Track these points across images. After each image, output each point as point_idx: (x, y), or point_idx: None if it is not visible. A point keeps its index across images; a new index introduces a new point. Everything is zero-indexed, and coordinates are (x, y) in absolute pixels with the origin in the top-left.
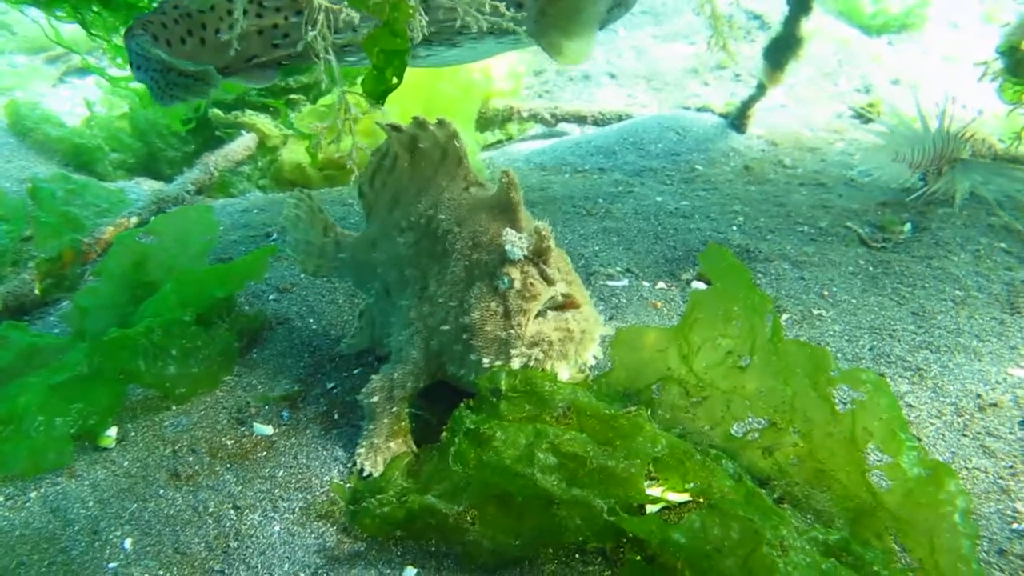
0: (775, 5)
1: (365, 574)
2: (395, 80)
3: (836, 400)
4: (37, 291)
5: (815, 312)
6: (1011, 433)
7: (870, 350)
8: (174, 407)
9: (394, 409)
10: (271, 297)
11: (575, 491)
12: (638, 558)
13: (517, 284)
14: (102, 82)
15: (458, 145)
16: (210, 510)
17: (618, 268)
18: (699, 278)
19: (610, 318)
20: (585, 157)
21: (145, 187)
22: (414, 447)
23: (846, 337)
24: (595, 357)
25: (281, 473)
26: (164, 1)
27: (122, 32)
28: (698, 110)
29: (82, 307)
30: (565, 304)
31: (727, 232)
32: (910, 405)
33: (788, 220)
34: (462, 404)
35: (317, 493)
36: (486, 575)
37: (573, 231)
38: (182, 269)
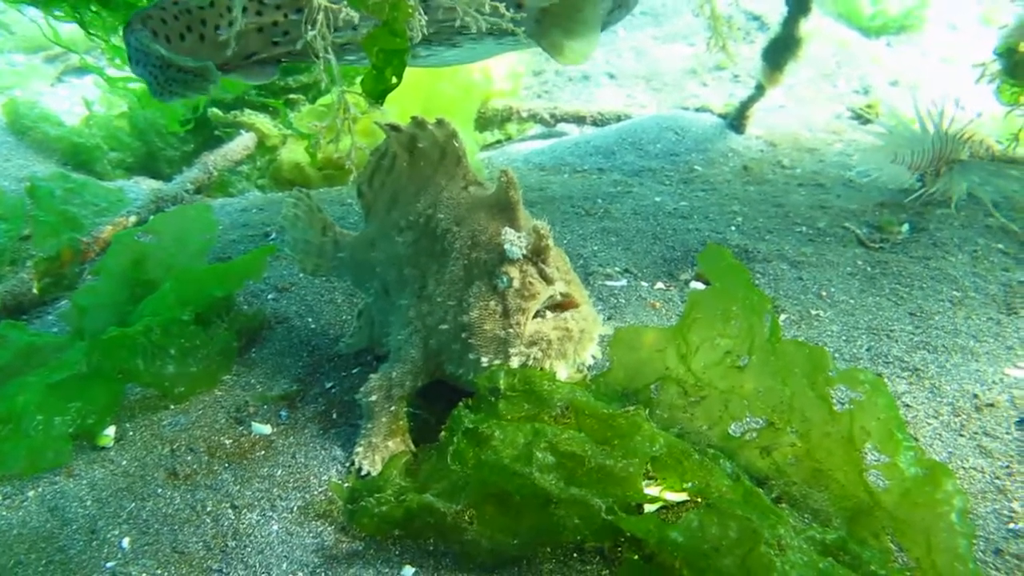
0: (774, 6)
1: (363, 573)
2: (394, 80)
3: (834, 400)
4: (35, 290)
5: (813, 312)
6: (1007, 433)
7: (868, 350)
8: (172, 406)
9: (392, 408)
10: (270, 296)
11: (573, 490)
12: (636, 557)
13: (516, 283)
14: (100, 81)
15: (457, 145)
16: (208, 509)
17: (617, 268)
18: (697, 278)
19: (608, 318)
20: (584, 157)
21: (144, 186)
22: (412, 446)
23: (844, 337)
24: (593, 357)
25: (279, 472)
26: None
27: (120, 32)
28: (697, 110)
29: (80, 306)
30: (564, 303)
31: (726, 232)
32: (907, 405)
33: (786, 220)
34: (461, 403)
35: (315, 492)
36: (484, 574)
37: (572, 231)
38: (181, 268)
